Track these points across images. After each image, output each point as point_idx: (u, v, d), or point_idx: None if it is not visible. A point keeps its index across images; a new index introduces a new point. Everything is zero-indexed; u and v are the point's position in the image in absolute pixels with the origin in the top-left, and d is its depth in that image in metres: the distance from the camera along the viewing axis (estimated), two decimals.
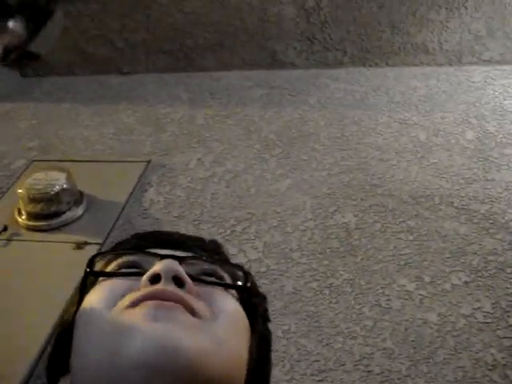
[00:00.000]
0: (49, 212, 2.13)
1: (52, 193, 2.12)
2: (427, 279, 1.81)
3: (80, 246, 2.03)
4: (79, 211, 2.20)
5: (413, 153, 2.40)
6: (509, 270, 1.82)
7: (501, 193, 2.13)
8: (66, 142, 2.73)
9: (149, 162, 2.49)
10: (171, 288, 0.58)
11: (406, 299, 1.75)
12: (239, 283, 0.69)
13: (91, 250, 2.01)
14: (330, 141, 2.54)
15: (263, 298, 0.77)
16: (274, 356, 0.74)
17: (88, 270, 0.67)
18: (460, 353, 1.59)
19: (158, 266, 0.60)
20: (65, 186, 2.15)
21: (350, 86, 2.96)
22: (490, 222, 2.01)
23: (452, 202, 2.10)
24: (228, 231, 2.07)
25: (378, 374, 1.55)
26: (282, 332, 1.68)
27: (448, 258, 1.88)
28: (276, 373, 1.57)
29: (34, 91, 3.30)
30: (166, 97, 3.06)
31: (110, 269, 0.68)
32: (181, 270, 0.60)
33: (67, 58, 3.33)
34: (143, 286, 0.60)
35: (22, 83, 3.39)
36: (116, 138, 2.71)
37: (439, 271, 1.84)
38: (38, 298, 1.82)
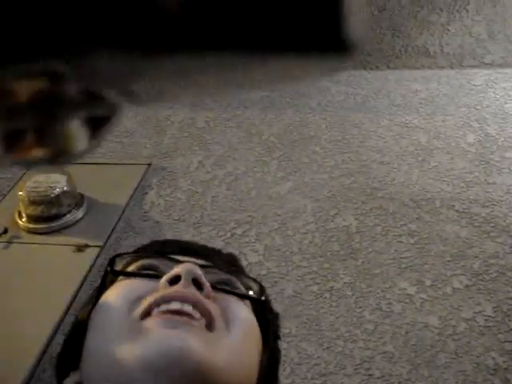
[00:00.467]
0: (49, 214, 2.13)
1: (52, 195, 2.12)
2: (428, 283, 1.81)
3: (80, 248, 2.02)
4: (79, 214, 2.20)
5: (414, 156, 2.40)
6: (510, 274, 1.82)
7: (502, 196, 2.13)
8: None
9: (149, 164, 2.49)
10: (190, 290, 0.59)
11: (407, 303, 1.75)
12: (254, 295, 0.69)
13: (91, 253, 2.01)
14: (330, 144, 2.53)
15: (276, 315, 0.77)
16: None
17: (109, 268, 0.68)
18: (461, 357, 1.58)
19: (178, 268, 0.61)
20: (65, 188, 2.15)
21: (351, 89, 2.96)
22: (491, 225, 2.00)
23: (453, 206, 2.10)
24: (228, 234, 2.07)
25: (379, 378, 1.55)
26: (283, 335, 1.67)
27: (449, 261, 1.88)
28: None
29: None
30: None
31: (130, 270, 0.68)
32: (200, 273, 0.61)
33: None
34: (162, 287, 0.60)
35: None
36: (117, 141, 2.71)
37: (440, 275, 1.83)
38: (38, 301, 1.82)
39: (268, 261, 1.94)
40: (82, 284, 1.89)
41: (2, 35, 0.21)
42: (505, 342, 1.61)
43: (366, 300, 1.78)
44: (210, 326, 0.58)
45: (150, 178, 2.42)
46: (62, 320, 1.76)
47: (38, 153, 0.29)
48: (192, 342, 0.54)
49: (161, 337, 0.54)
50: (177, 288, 0.59)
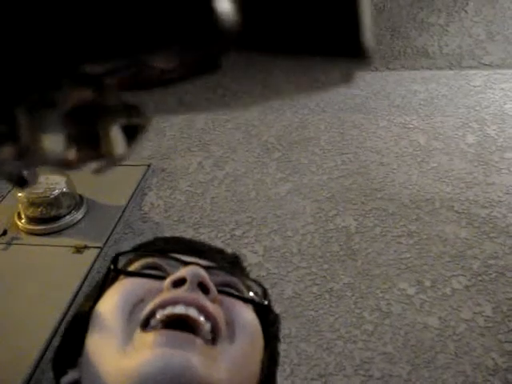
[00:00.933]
0: (48, 216, 2.13)
1: (52, 197, 2.12)
2: (428, 283, 1.81)
3: (79, 249, 2.02)
4: (79, 215, 2.20)
5: (413, 157, 2.40)
6: (509, 274, 1.82)
7: (501, 197, 2.13)
8: None
9: (149, 165, 2.49)
10: (196, 294, 0.58)
11: (407, 303, 1.75)
12: (258, 299, 0.68)
13: (91, 254, 2.01)
14: (330, 145, 2.53)
15: (276, 316, 0.76)
16: None
17: (112, 266, 0.67)
18: (461, 357, 1.58)
19: (183, 271, 0.60)
20: (64, 189, 2.15)
21: (350, 90, 2.96)
22: (491, 225, 2.00)
23: (452, 206, 2.10)
24: (228, 235, 2.07)
25: (379, 379, 1.55)
26: (283, 336, 1.67)
27: (448, 262, 1.88)
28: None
29: None
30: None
31: (132, 268, 0.67)
32: (206, 276, 0.60)
33: None
34: (166, 289, 0.59)
35: None
36: None
37: (440, 275, 1.83)
38: (37, 302, 1.82)
39: (267, 262, 1.94)
40: (81, 285, 1.89)
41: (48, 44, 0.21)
42: (504, 342, 1.61)
43: (366, 301, 1.78)
44: (214, 330, 0.57)
45: (149, 179, 2.42)
46: (61, 321, 1.76)
47: (82, 156, 0.31)
48: (194, 360, 0.53)
49: (163, 354, 0.53)
50: (182, 291, 0.58)
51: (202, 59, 0.23)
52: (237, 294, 0.65)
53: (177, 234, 2.08)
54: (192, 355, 0.53)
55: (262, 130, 2.69)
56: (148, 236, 2.08)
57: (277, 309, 1.74)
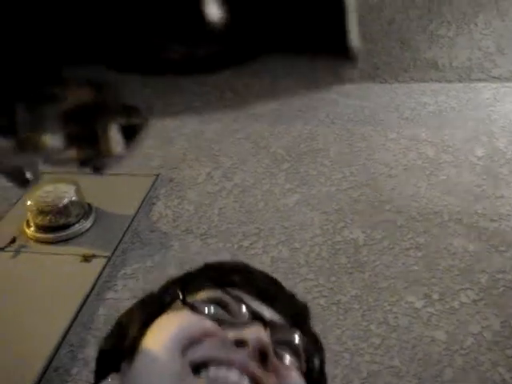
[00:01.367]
0: (57, 224, 2.14)
1: (61, 205, 2.13)
2: (435, 297, 1.80)
3: (87, 258, 2.03)
4: (87, 224, 2.20)
5: (422, 169, 2.39)
6: None
7: (510, 210, 2.12)
8: None
9: (157, 175, 2.50)
10: (253, 363, 0.57)
11: (414, 317, 1.74)
12: (314, 369, 0.67)
13: (99, 263, 2.01)
14: (338, 156, 2.53)
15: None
16: None
17: (181, 297, 0.65)
18: (468, 372, 1.57)
19: (248, 333, 0.59)
20: (73, 198, 2.16)
21: (360, 102, 2.97)
22: (499, 239, 1.99)
23: (461, 219, 2.09)
24: (236, 246, 2.07)
25: None
26: None
27: (456, 275, 1.87)
28: None
29: None
30: (176, 110, 3.07)
31: (197, 297, 0.66)
32: (269, 346, 0.59)
33: None
34: (226, 347, 0.58)
35: None
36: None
37: (448, 289, 1.83)
38: (44, 310, 1.82)
39: (275, 273, 1.93)
40: (88, 294, 1.89)
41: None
42: None
43: (373, 313, 1.77)
44: None
45: (157, 188, 2.43)
46: (68, 329, 1.76)
47: (81, 154, 0.32)
48: None
49: None
50: (241, 355, 0.57)
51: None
52: (292, 363, 0.64)
53: (184, 245, 2.08)
54: None
55: (270, 142, 2.69)
56: (156, 245, 2.09)
57: None
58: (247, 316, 0.62)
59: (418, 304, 1.78)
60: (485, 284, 1.83)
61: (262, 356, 0.58)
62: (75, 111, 0.29)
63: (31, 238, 2.15)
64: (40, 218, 2.13)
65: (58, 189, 2.17)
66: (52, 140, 0.30)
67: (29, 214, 2.16)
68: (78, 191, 2.19)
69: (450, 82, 3.09)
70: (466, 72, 3.08)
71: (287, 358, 0.63)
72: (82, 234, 2.18)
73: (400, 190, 2.28)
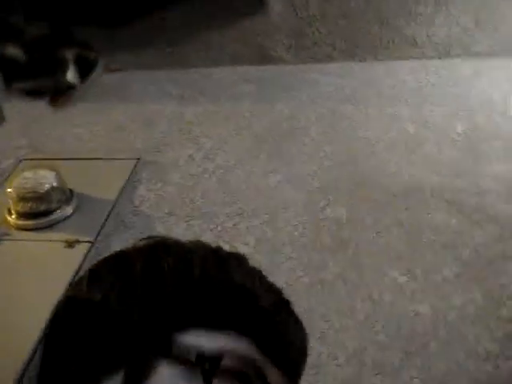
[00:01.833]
0: (38, 211, 2.12)
1: (41, 191, 2.10)
2: (418, 272, 1.82)
3: (71, 244, 2.02)
4: (69, 209, 2.18)
5: (403, 146, 2.40)
6: (499, 262, 1.83)
7: (491, 185, 2.14)
8: (56, 141, 2.71)
9: (139, 159, 2.48)
10: None
11: (398, 292, 1.76)
12: None
13: (82, 248, 2.00)
14: (320, 135, 2.53)
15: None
16: None
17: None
18: (453, 344, 1.59)
19: None
20: (54, 184, 2.14)
21: (340, 81, 2.96)
22: (481, 214, 2.01)
23: (442, 195, 2.11)
24: (219, 227, 2.07)
25: (372, 367, 1.56)
26: None
27: (439, 250, 1.89)
28: None
29: None
30: (156, 94, 3.04)
31: None
32: None
33: None
34: None
35: None
36: (106, 136, 2.69)
37: (430, 264, 1.84)
38: (28, 298, 1.81)
39: (259, 253, 1.94)
40: (73, 279, 1.88)
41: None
42: (495, 329, 1.62)
43: (357, 290, 1.78)
44: None
45: (139, 172, 2.41)
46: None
47: (38, 83, 0.33)
48: None
49: None
50: None
51: None
52: None
53: (168, 227, 2.07)
54: None
55: (252, 122, 2.69)
56: (139, 229, 2.08)
57: None
58: None
59: (402, 279, 1.80)
60: (467, 258, 1.85)
61: None
62: (34, 41, 0.30)
63: (13, 226, 2.13)
64: (21, 204, 2.11)
65: (38, 175, 2.15)
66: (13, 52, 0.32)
67: (9, 201, 2.14)
68: (58, 177, 2.17)
69: (429, 58, 3.10)
70: (446, 48, 3.08)
71: None
72: (65, 219, 2.16)
73: (382, 167, 2.29)
